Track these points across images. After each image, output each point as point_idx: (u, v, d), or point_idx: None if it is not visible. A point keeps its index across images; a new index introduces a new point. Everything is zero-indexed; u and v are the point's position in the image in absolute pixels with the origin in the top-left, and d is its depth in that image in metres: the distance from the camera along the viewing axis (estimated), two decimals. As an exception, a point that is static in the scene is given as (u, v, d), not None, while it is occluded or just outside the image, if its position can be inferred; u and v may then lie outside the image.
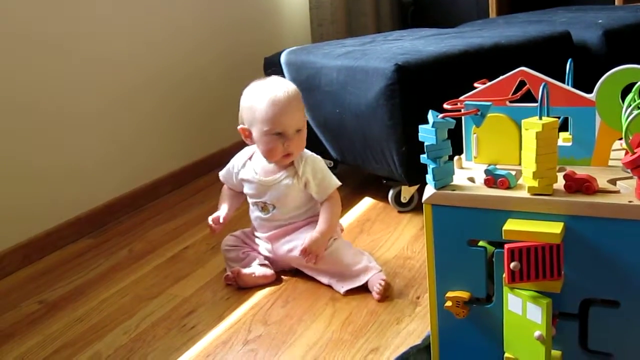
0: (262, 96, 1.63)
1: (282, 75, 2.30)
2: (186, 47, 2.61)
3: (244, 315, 1.56)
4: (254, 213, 1.77)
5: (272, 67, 2.39)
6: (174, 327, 1.54)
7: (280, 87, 1.65)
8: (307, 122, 2.22)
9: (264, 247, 1.76)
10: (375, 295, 1.56)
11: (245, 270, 1.68)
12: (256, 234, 1.79)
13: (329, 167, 2.46)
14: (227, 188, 1.82)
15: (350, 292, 1.61)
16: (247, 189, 1.75)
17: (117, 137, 2.30)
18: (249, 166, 1.75)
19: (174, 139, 2.57)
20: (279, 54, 2.38)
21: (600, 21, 2.42)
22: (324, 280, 1.66)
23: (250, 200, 1.77)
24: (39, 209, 2.01)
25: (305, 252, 1.62)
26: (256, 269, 1.69)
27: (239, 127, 1.71)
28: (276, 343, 1.43)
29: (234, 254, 1.76)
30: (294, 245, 1.69)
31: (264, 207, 1.73)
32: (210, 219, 1.73)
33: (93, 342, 1.51)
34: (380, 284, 1.56)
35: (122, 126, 2.32)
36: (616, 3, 3.12)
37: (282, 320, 1.52)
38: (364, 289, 1.61)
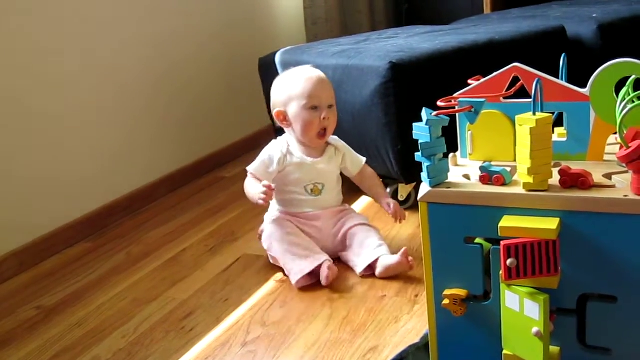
0: (296, 77, 1.78)
1: (277, 74, 2.29)
2: (181, 50, 2.61)
3: (242, 317, 1.55)
4: (301, 196, 1.79)
5: (267, 67, 2.38)
6: (172, 329, 1.54)
7: (311, 69, 1.82)
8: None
9: (312, 225, 1.78)
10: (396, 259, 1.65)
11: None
12: (303, 214, 1.80)
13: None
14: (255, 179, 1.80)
15: (348, 291, 1.61)
16: (295, 175, 1.79)
17: (113, 140, 2.29)
18: (293, 152, 1.80)
19: (170, 141, 2.56)
20: (274, 54, 2.38)
21: (594, 15, 2.41)
22: (355, 259, 1.72)
23: (296, 188, 1.79)
24: (36, 214, 2.00)
25: (396, 214, 1.79)
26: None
27: (274, 112, 1.80)
28: (275, 344, 1.43)
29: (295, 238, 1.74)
30: (339, 227, 1.79)
31: (314, 189, 1.79)
32: (261, 186, 1.68)
33: (92, 346, 1.51)
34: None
35: (118, 129, 2.31)
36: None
37: (281, 321, 1.52)
38: (364, 287, 1.61)
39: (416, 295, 1.56)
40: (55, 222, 2.07)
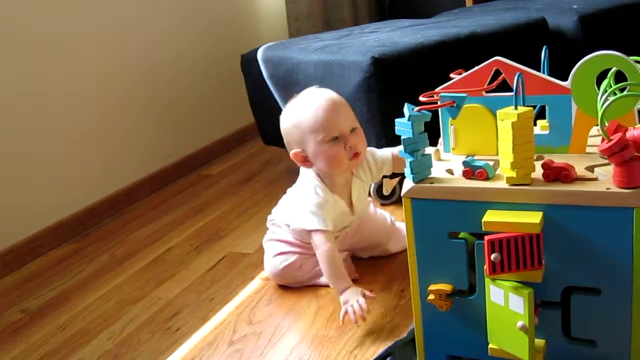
0: (304, 109, 1.51)
1: (260, 72, 2.29)
2: (162, 48, 2.59)
3: (228, 316, 1.55)
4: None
5: (249, 64, 2.37)
6: (158, 330, 1.53)
7: (318, 94, 1.54)
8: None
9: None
10: None
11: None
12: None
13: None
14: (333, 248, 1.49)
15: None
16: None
17: (95, 140, 2.27)
18: (325, 195, 1.54)
19: (153, 141, 2.54)
20: (256, 50, 2.37)
21: (575, 6, 2.42)
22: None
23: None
24: (18, 216, 1.99)
25: None
26: None
27: (291, 153, 1.55)
28: (262, 342, 1.42)
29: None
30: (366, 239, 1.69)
31: (339, 233, 1.61)
32: (359, 298, 1.40)
33: (77, 349, 1.50)
34: None
35: (100, 129, 2.29)
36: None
37: (267, 319, 1.51)
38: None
39: (402, 290, 1.55)
40: (38, 224, 2.05)
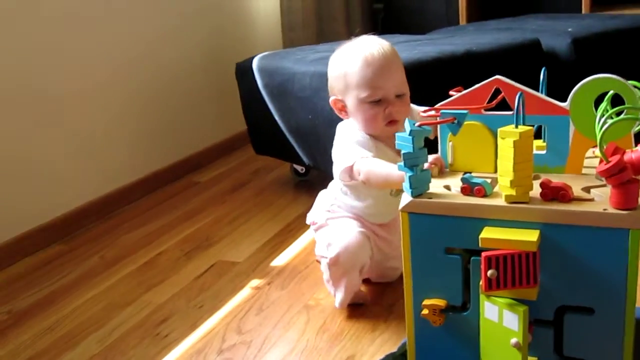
0: (354, 58, 1.45)
1: (254, 81, 2.29)
2: (157, 53, 2.59)
3: (218, 324, 1.55)
4: (381, 202, 1.51)
5: (244, 72, 2.38)
6: (147, 335, 1.52)
7: (373, 44, 1.46)
8: (280, 127, 2.23)
9: (383, 237, 1.56)
10: None
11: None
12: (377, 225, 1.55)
13: (301, 173, 2.47)
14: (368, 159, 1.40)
15: (325, 299, 1.61)
16: None
17: (88, 142, 2.27)
18: (371, 140, 1.46)
19: (146, 144, 2.54)
20: (251, 59, 2.37)
21: (569, 29, 2.45)
22: None
23: (379, 192, 1.49)
24: (8, 215, 1.97)
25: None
26: None
27: (331, 99, 1.52)
28: (251, 352, 1.42)
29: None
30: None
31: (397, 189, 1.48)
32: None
33: (64, 352, 1.49)
34: None
35: (93, 131, 2.29)
36: (583, 12, 3.16)
37: (257, 329, 1.51)
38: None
39: (391, 305, 1.56)
40: (27, 223, 2.03)
